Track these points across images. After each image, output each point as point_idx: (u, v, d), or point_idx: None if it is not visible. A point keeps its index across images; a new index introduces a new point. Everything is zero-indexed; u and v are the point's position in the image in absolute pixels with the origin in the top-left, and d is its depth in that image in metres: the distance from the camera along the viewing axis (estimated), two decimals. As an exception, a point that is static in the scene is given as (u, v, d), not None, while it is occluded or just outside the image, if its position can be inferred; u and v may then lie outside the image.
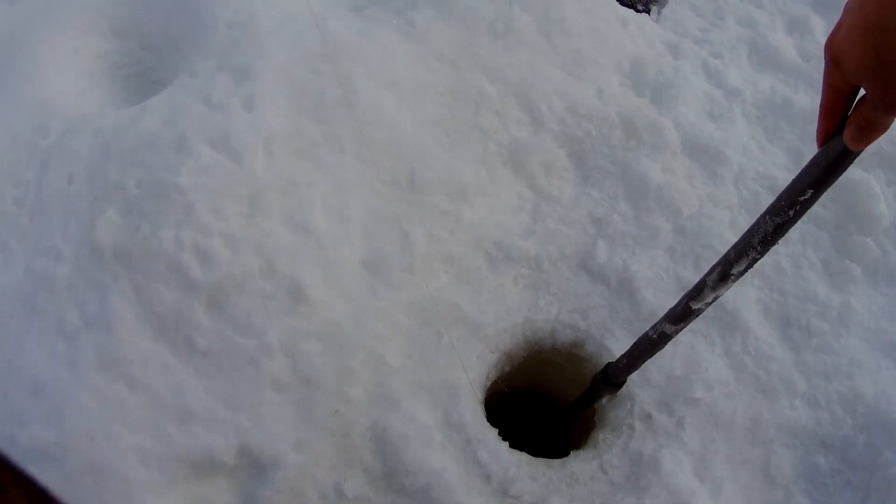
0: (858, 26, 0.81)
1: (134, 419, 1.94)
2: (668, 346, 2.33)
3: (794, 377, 2.29)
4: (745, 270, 1.41)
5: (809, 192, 1.17)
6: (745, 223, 2.37)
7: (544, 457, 2.19)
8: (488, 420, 2.15)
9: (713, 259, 2.34)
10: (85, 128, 2.31)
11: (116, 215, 2.12)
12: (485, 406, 2.19)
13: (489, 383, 2.18)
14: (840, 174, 1.14)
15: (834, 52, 0.88)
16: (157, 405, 1.96)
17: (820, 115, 1.03)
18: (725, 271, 1.41)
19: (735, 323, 2.32)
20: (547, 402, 2.35)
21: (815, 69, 2.70)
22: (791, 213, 1.22)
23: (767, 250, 1.34)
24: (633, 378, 2.24)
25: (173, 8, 2.52)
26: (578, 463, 2.18)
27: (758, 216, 1.31)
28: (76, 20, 2.60)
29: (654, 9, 2.81)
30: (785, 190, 1.23)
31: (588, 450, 2.22)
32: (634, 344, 1.83)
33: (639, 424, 2.22)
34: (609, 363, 1.97)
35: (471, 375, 2.13)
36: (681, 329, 1.66)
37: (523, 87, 2.33)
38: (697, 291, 1.52)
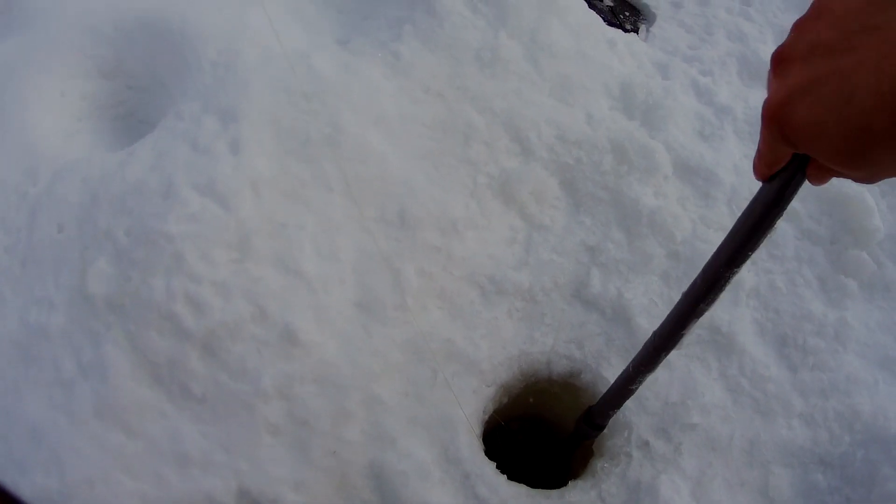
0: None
1: (133, 466, 1.86)
2: (665, 372, 2.23)
3: (791, 397, 2.20)
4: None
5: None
6: (738, 243, 2.23)
7: (542, 487, 2.09)
8: (487, 452, 2.05)
9: (708, 282, 2.23)
10: (73, 174, 2.23)
11: (107, 264, 2.05)
12: (483, 438, 2.08)
13: (486, 417, 2.07)
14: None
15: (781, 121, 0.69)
16: (155, 451, 1.89)
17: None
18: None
19: (731, 345, 2.21)
20: (545, 429, 2.24)
21: (807, 81, 2.53)
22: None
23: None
24: (630, 406, 2.14)
25: (157, 47, 2.43)
26: (576, 493, 2.08)
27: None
28: (61, 61, 2.51)
29: (642, 27, 2.67)
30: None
31: (586, 479, 2.13)
32: (609, 388, 1.75)
33: (636, 452, 2.13)
34: (590, 406, 1.89)
35: (467, 410, 2.02)
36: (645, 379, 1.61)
37: (512, 116, 2.22)
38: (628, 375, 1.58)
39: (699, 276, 1.16)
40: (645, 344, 1.50)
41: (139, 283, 2.02)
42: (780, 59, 0.68)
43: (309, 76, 2.15)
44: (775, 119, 0.67)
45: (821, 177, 0.75)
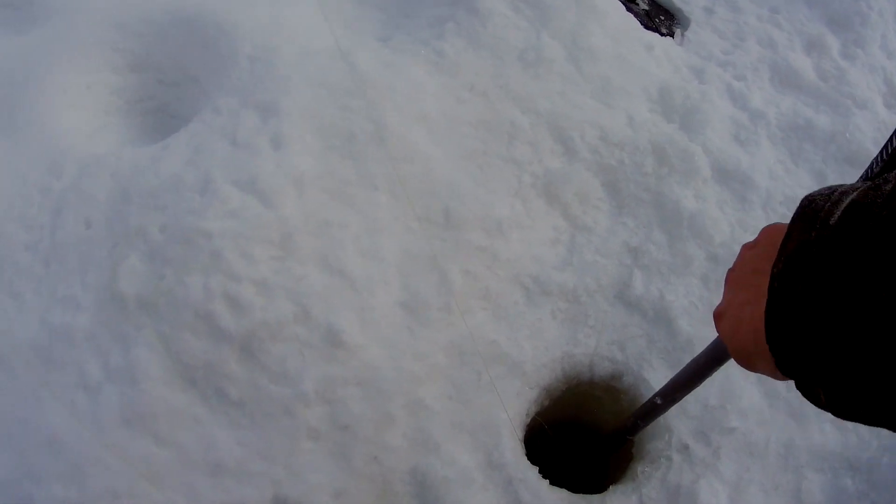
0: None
1: (162, 476, 1.70)
2: (705, 376, 2.14)
3: None
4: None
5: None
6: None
7: (584, 492, 1.98)
8: (528, 456, 1.93)
9: (746, 285, 2.15)
10: (101, 169, 2.04)
11: (139, 262, 1.85)
12: (525, 441, 1.97)
13: (529, 420, 1.95)
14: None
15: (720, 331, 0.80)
16: (186, 460, 1.72)
17: None
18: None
19: (768, 349, 2.11)
20: (586, 432, 2.14)
21: (833, 89, 2.47)
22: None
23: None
24: (671, 410, 2.05)
25: (189, 40, 2.24)
26: (617, 497, 1.96)
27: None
28: (87, 54, 2.30)
29: (677, 32, 2.57)
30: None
31: (626, 483, 2.00)
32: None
33: (676, 456, 2.01)
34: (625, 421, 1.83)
35: (510, 413, 1.90)
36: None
37: (555, 116, 2.08)
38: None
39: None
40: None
41: (174, 281, 1.85)
42: (727, 278, 0.78)
43: (351, 73, 2.00)
44: (715, 325, 0.79)
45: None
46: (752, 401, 2.09)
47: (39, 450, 1.73)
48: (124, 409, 1.74)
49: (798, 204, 0.62)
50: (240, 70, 2.03)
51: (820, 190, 0.63)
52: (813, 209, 0.61)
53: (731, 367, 2.16)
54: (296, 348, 1.80)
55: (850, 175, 2.33)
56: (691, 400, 2.04)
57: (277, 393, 1.79)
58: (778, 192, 2.21)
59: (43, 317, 1.88)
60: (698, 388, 2.11)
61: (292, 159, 1.84)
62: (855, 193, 0.59)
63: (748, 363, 0.73)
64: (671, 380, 1.57)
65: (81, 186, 2.06)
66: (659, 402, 1.58)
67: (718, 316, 0.79)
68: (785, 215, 2.21)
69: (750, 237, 2.18)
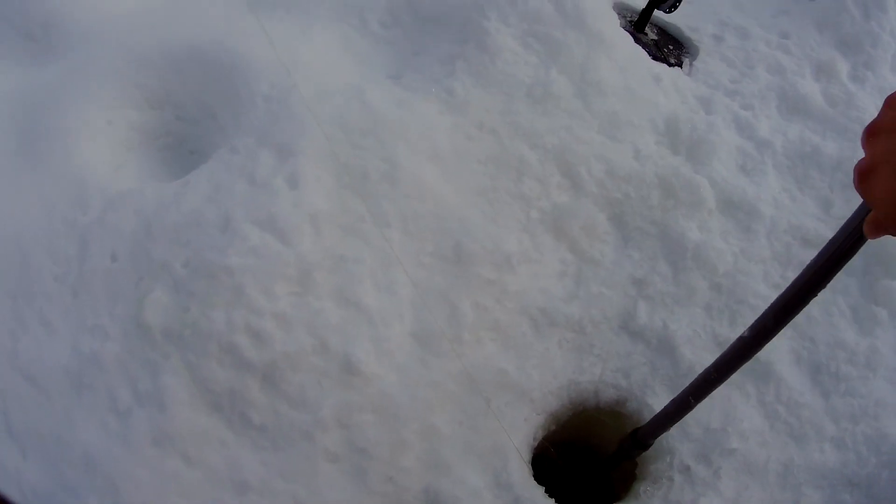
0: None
1: (191, 492, 1.79)
2: (706, 400, 2.15)
3: (824, 422, 2.15)
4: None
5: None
6: (777, 277, 2.19)
7: (589, 510, 2.03)
8: (535, 477, 1.98)
9: (748, 314, 2.17)
10: (126, 204, 2.11)
11: (164, 295, 1.95)
12: (532, 462, 2.01)
13: (536, 444, 1.99)
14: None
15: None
16: (213, 478, 1.81)
17: None
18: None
19: (769, 373, 2.14)
20: (590, 454, 2.17)
21: (842, 115, 2.47)
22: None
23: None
24: (673, 432, 2.09)
25: (207, 77, 2.32)
26: (620, 516, 2.01)
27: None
28: (107, 90, 2.38)
29: (685, 61, 2.56)
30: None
31: (629, 501, 2.06)
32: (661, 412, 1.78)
33: (678, 476, 2.07)
34: (638, 427, 1.87)
35: (518, 437, 1.96)
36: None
37: (563, 151, 2.14)
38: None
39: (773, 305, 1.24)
40: (702, 373, 1.53)
41: (199, 314, 1.94)
42: (871, 131, 0.69)
43: (364, 112, 2.07)
44: (858, 182, 0.71)
45: (876, 234, 0.76)
46: (753, 423, 2.14)
47: (75, 465, 1.83)
48: (154, 430, 1.84)
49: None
50: (256, 109, 2.09)
51: None
52: None
53: (732, 390, 2.18)
54: (314, 377, 1.87)
55: (856, 201, 2.28)
56: (692, 423, 2.09)
57: (297, 418, 1.87)
58: (783, 221, 2.22)
59: (73, 344, 1.97)
60: (700, 411, 2.15)
61: (308, 198, 1.91)
62: None
63: None
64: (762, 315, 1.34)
65: (107, 221, 2.15)
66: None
67: (866, 172, 0.71)
68: (790, 244, 2.21)
69: (754, 266, 2.19)
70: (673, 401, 1.69)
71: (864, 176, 0.70)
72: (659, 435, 1.84)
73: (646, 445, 1.88)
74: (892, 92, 0.70)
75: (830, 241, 1.10)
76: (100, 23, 2.47)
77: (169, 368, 1.91)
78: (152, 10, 2.42)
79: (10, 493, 1.99)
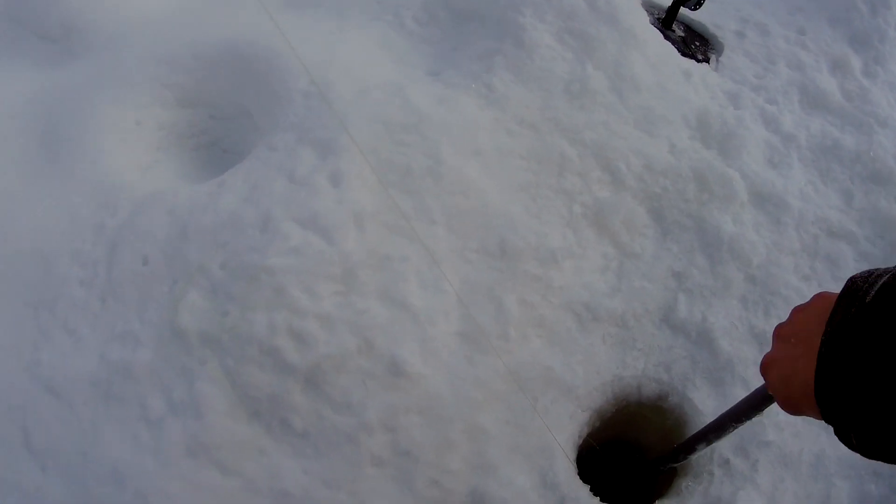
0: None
1: None
2: (744, 392, 2.13)
3: None
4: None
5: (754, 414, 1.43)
6: (807, 268, 2.12)
7: (633, 508, 1.96)
8: (580, 474, 1.91)
9: (781, 305, 2.11)
10: (157, 206, 1.96)
11: (201, 299, 1.79)
12: (577, 460, 1.94)
13: (581, 441, 1.92)
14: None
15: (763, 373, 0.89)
16: (251, 489, 1.67)
17: None
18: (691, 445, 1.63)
19: (802, 363, 2.08)
20: (634, 451, 2.11)
21: (857, 109, 2.42)
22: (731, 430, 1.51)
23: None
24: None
25: (241, 76, 2.17)
26: (664, 512, 1.95)
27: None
28: (135, 90, 2.20)
29: (712, 57, 2.50)
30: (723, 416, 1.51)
31: (672, 498, 1.99)
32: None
33: (717, 470, 1.99)
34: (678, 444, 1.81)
35: (564, 435, 1.87)
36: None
37: (602, 147, 2.02)
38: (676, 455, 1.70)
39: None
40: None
41: (238, 317, 1.79)
42: (775, 334, 0.84)
43: (405, 109, 1.94)
44: (762, 373, 0.86)
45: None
46: (787, 415, 2.08)
47: (102, 481, 1.67)
48: (189, 441, 1.68)
49: (844, 282, 0.71)
50: (295, 106, 1.95)
51: (861, 272, 0.72)
52: (854, 289, 0.69)
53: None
54: (359, 379, 1.75)
55: (874, 193, 2.28)
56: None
57: (341, 422, 1.74)
58: (809, 213, 2.17)
59: (101, 352, 1.81)
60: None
61: (352, 195, 1.78)
62: (887, 276, 0.68)
63: (794, 409, 0.81)
64: (711, 423, 1.60)
65: (137, 223, 1.98)
66: (699, 446, 1.62)
67: (768, 365, 0.86)
68: (817, 235, 2.17)
69: (785, 258, 2.15)
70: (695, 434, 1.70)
71: (763, 368, 0.86)
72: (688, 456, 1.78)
73: (676, 460, 1.85)
74: (797, 306, 0.83)
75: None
76: (123, 25, 2.35)
77: (205, 375, 1.74)
78: (182, 12, 2.26)
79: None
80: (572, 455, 1.90)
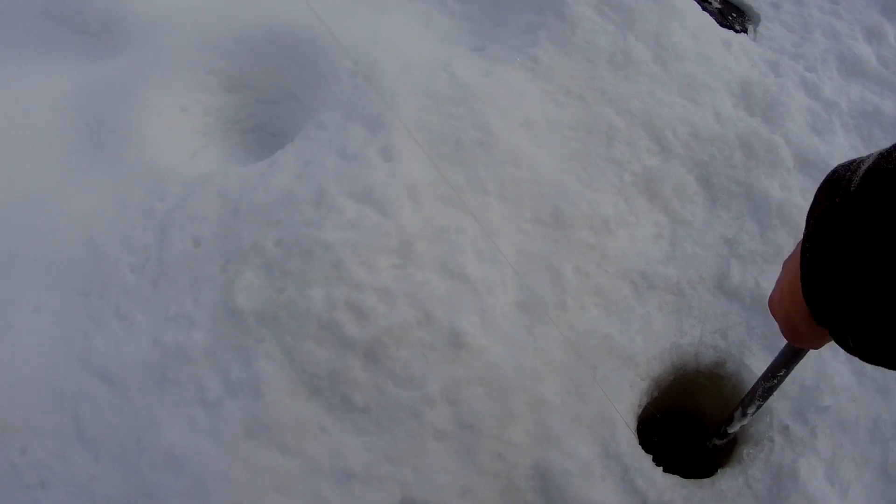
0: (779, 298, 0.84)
1: (289, 485, 1.59)
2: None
3: None
4: (755, 411, 1.57)
5: (783, 371, 1.38)
6: (855, 231, 2.08)
7: (694, 476, 1.92)
8: (642, 444, 1.87)
9: (833, 269, 2.08)
10: (207, 188, 1.90)
11: (256, 277, 1.73)
12: (637, 429, 1.90)
13: (640, 410, 1.88)
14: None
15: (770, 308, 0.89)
16: (313, 468, 1.61)
17: None
18: (743, 411, 1.57)
19: (855, 328, 2.04)
20: (692, 421, 2.07)
21: (895, 75, 2.40)
22: (775, 381, 1.42)
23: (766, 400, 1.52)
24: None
25: (285, 58, 2.11)
26: (726, 480, 1.88)
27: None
28: (180, 77, 2.15)
29: (749, 28, 2.47)
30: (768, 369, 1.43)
31: (734, 466, 1.92)
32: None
33: (778, 437, 1.93)
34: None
35: (624, 404, 1.82)
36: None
37: (648, 116, 1.96)
38: (728, 421, 1.64)
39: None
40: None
41: (295, 293, 1.73)
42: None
43: (452, 82, 1.90)
44: (771, 313, 0.87)
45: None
46: (843, 379, 2.01)
47: (157, 468, 1.62)
48: (247, 421, 1.62)
49: (824, 176, 0.66)
50: (341, 85, 1.91)
51: (842, 163, 0.66)
52: (836, 179, 0.64)
53: (824, 348, 2.11)
54: (419, 352, 1.70)
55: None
56: (789, 382, 1.97)
57: (403, 396, 1.69)
58: (854, 178, 2.14)
59: (155, 336, 1.76)
60: (794, 371, 2.08)
61: (404, 169, 1.73)
62: (870, 162, 0.62)
63: (794, 333, 0.81)
64: (752, 386, 1.56)
65: (187, 206, 1.93)
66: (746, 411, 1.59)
67: (769, 303, 0.87)
68: (863, 201, 2.14)
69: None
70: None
71: (769, 306, 0.87)
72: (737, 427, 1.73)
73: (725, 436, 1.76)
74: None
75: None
76: (162, 14, 2.32)
77: (263, 353, 1.66)
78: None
79: (83, 504, 1.81)
80: (633, 425, 1.86)
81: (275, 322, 1.75)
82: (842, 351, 2.09)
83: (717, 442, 1.81)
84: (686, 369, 1.90)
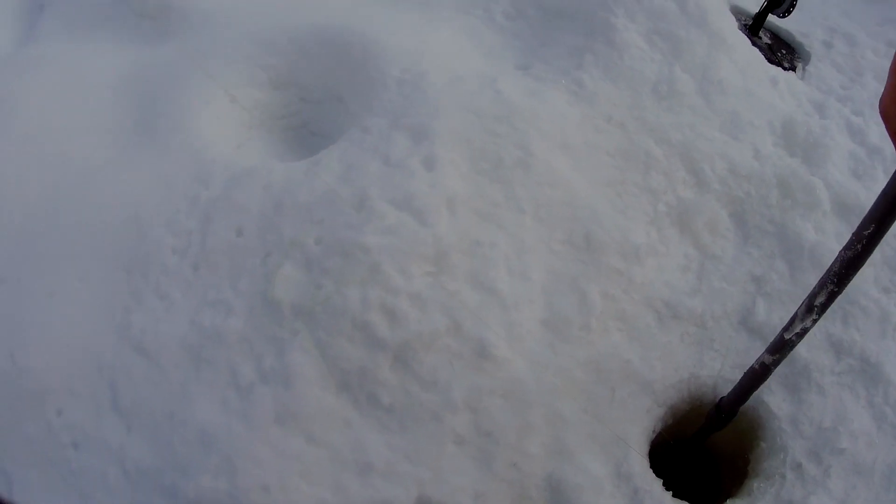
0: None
1: (312, 472, 1.74)
2: (819, 398, 2.16)
3: None
4: (827, 304, 1.43)
5: (873, 227, 1.25)
6: (887, 280, 2.17)
7: (703, 504, 2.02)
8: (653, 469, 1.97)
9: (860, 316, 2.17)
10: (252, 181, 2.08)
11: (296, 271, 1.91)
12: (649, 455, 2.01)
13: (654, 436, 1.99)
14: None
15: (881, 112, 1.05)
16: (336, 459, 1.77)
17: None
18: (810, 303, 1.46)
19: (878, 375, 2.12)
20: (705, 453, 2.17)
21: (943, 125, 2.46)
22: (859, 247, 1.30)
23: (844, 285, 1.38)
24: (787, 430, 2.07)
25: (334, 61, 2.31)
26: (734, 510, 2.00)
27: None
28: (230, 69, 2.35)
29: (798, 66, 2.57)
30: (855, 229, 1.31)
31: (743, 498, 2.04)
32: (742, 378, 1.76)
33: (790, 473, 2.05)
34: (721, 398, 1.86)
35: (639, 427, 1.95)
36: (779, 361, 1.64)
37: (687, 148, 2.12)
38: (790, 323, 1.54)
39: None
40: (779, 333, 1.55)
41: (332, 291, 1.91)
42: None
43: (497, 99, 2.06)
44: (881, 116, 1.03)
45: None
46: (863, 424, 2.12)
47: (188, 442, 1.78)
48: (278, 408, 1.79)
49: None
50: (388, 92, 2.09)
51: None
52: None
53: (843, 390, 2.18)
54: (446, 359, 1.85)
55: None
56: (805, 421, 2.08)
57: (427, 400, 1.84)
58: (893, 228, 2.21)
59: (193, 318, 1.93)
60: (813, 410, 2.16)
61: (445, 180, 1.90)
62: None
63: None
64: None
65: (232, 196, 2.11)
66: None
67: (880, 104, 1.02)
68: (898, 250, 2.22)
69: (865, 269, 2.18)
70: (751, 367, 1.69)
71: (881, 101, 1.03)
72: (743, 403, 1.80)
73: (732, 413, 1.84)
74: None
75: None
76: (219, 4, 2.49)
77: (297, 345, 1.85)
78: None
79: (111, 470, 1.97)
80: (645, 449, 1.97)
81: (310, 317, 1.91)
82: (863, 395, 2.16)
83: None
84: (703, 401, 2.02)
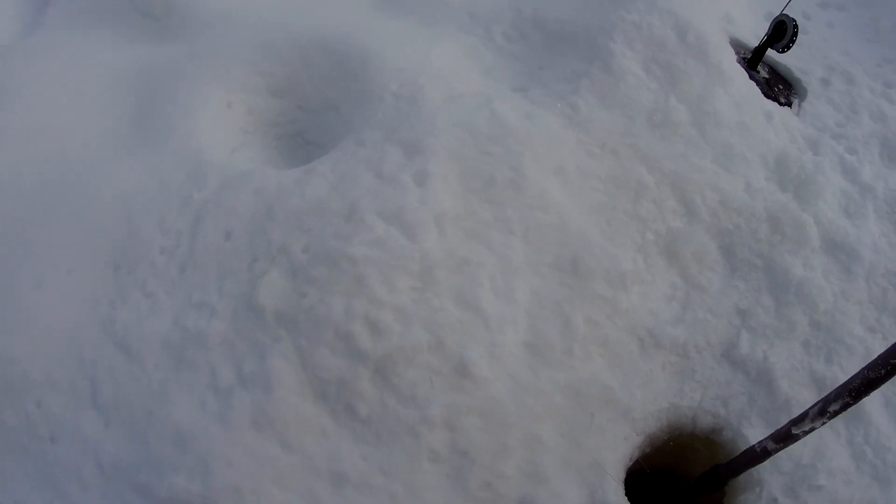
0: None
1: (285, 479, 1.83)
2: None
3: None
4: (840, 412, 1.53)
5: None
6: (873, 320, 2.28)
7: (677, 536, 2.11)
8: (629, 496, 2.07)
9: (844, 354, 2.28)
10: (244, 185, 2.18)
11: (281, 278, 2.00)
12: (627, 481, 2.10)
13: (631, 463, 2.09)
14: None
15: None
16: (310, 467, 1.86)
17: None
18: (824, 408, 1.56)
19: (860, 414, 2.22)
20: (679, 482, 2.27)
21: (941, 169, 2.59)
22: (883, 371, 1.37)
23: (859, 400, 1.48)
24: (765, 465, 2.16)
25: (334, 71, 2.40)
26: (707, 542, 2.09)
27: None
28: (230, 74, 2.46)
29: (795, 101, 2.69)
30: (882, 353, 1.38)
31: (717, 531, 2.14)
32: (740, 454, 1.87)
33: (765, 509, 2.14)
34: (717, 465, 1.97)
35: (617, 455, 2.04)
36: (780, 449, 1.76)
37: (679, 178, 2.23)
38: (800, 419, 1.65)
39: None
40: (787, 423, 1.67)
41: (316, 300, 1.99)
42: None
43: (492, 120, 2.16)
44: None
45: None
46: (841, 462, 2.21)
47: (164, 441, 1.86)
48: (255, 413, 1.87)
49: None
50: (385, 106, 2.19)
51: None
52: None
53: (824, 428, 2.28)
54: (427, 375, 1.95)
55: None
56: (784, 457, 2.17)
57: (405, 414, 1.93)
58: (881, 266, 2.33)
59: (176, 318, 2.02)
60: (792, 447, 2.27)
61: (435, 197, 2.00)
62: None
63: None
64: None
65: (223, 199, 2.20)
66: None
67: None
68: (886, 289, 2.33)
69: (852, 307, 2.31)
70: (752, 447, 1.80)
71: None
72: (735, 477, 1.92)
73: (722, 483, 1.97)
74: None
75: None
76: (223, 9, 2.60)
77: (278, 351, 1.93)
78: (282, 2, 2.55)
79: (87, 464, 2.05)
80: (621, 476, 2.06)
81: (293, 324, 2.00)
82: (843, 434, 2.27)
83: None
84: (682, 431, 2.11)
